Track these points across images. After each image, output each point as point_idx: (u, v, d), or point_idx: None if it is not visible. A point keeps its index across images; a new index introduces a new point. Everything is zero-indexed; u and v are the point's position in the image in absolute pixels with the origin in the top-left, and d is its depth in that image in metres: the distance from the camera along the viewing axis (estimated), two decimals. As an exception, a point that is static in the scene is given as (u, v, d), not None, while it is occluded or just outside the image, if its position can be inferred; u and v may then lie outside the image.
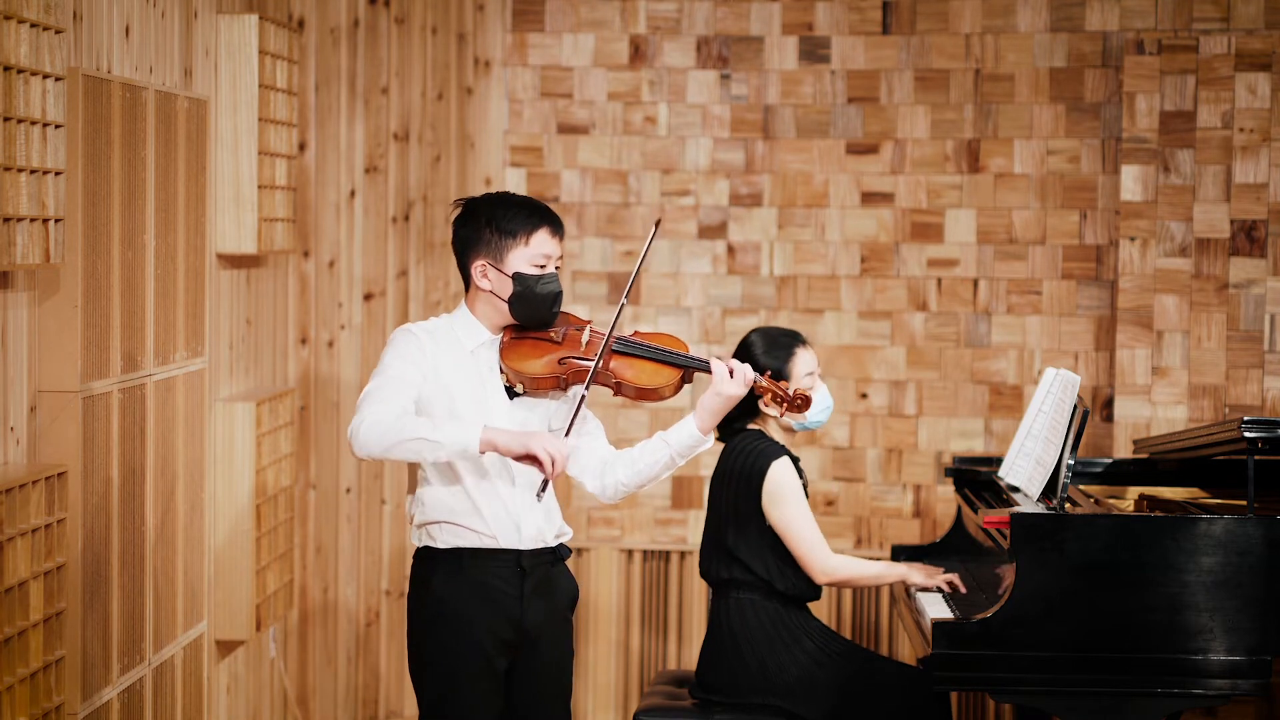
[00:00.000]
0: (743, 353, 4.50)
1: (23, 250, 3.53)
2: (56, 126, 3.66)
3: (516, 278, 3.71)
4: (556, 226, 3.77)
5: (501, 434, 3.56)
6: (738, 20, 5.98)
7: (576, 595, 3.88)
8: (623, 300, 3.79)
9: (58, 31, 3.64)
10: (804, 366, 4.48)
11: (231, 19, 4.85)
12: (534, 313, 3.74)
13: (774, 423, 4.50)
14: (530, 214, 3.74)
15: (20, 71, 3.50)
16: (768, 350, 4.48)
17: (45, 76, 3.60)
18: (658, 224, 3.88)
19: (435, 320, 3.79)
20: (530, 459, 3.55)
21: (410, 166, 5.93)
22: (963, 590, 4.52)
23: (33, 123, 3.56)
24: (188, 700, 4.52)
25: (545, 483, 3.59)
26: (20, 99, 3.50)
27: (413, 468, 3.77)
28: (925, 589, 4.53)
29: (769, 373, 3.97)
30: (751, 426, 4.51)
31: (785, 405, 3.81)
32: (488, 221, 3.74)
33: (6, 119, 3.46)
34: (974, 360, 5.89)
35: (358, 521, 5.84)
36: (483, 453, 3.56)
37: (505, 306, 3.73)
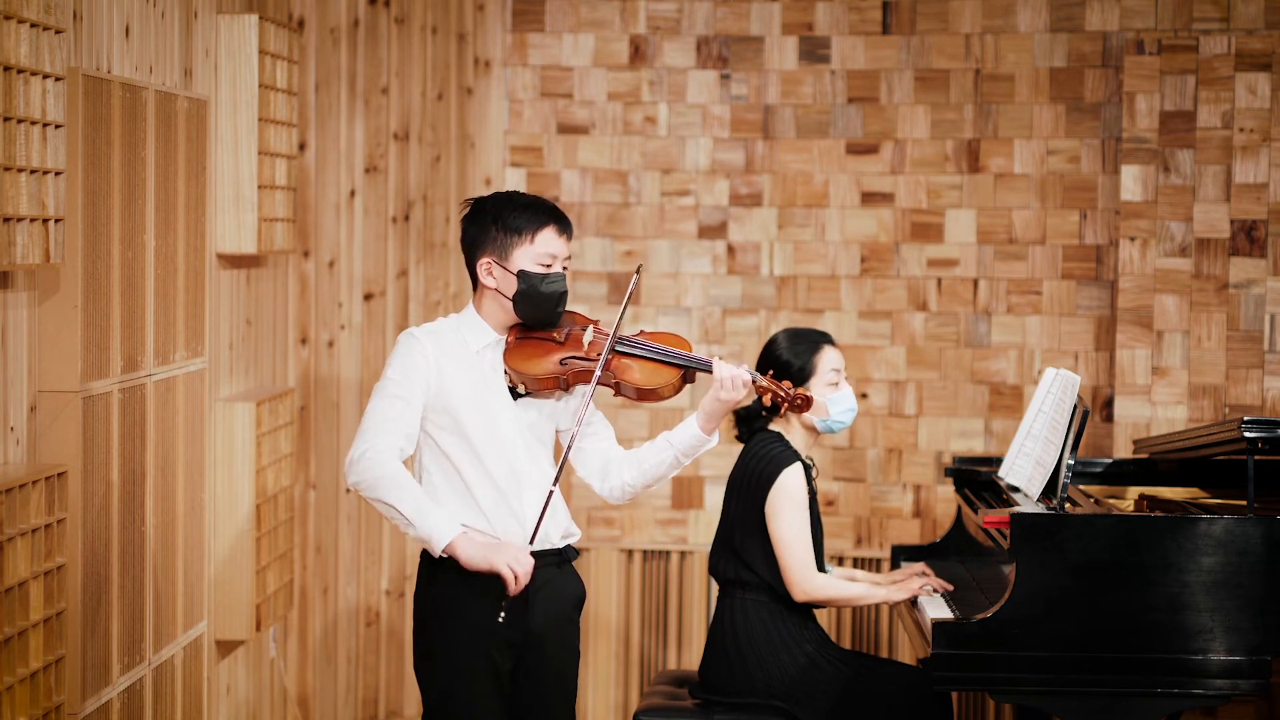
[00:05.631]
0: (768, 350, 4.50)
1: (23, 250, 3.53)
2: (56, 126, 3.66)
3: (521, 275, 3.71)
4: (564, 226, 3.76)
5: (468, 545, 3.55)
6: (738, 20, 5.98)
7: (583, 597, 3.87)
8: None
9: (58, 31, 3.64)
10: (828, 363, 4.46)
11: (231, 19, 4.85)
12: (538, 312, 3.74)
13: (796, 423, 4.48)
14: (536, 212, 3.74)
15: (20, 71, 3.50)
16: (792, 346, 4.47)
17: (45, 76, 3.60)
18: (639, 270, 3.92)
19: (442, 321, 3.79)
20: (493, 574, 3.56)
21: (410, 166, 5.93)
22: (947, 589, 4.52)
23: (33, 123, 3.56)
24: (188, 700, 4.52)
25: (507, 600, 3.56)
26: (20, 99, 3.50)
27: (416, 468, 3.77)
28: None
29: (770, 372, 3.96)
30: (772, 428, 4.50)
31: (786, 404, 3.78)
32: (494, 219, 3.74)
33: (6, 119, 3.46)
34: (974, 360, 5.89)
35: (358, 521, 5.84)
36: (443, 556, 3.56)
37: (510, 305, 3.73)
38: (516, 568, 3.53)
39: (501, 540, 3.65)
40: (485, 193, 6.05)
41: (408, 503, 3.54)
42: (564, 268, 3.76)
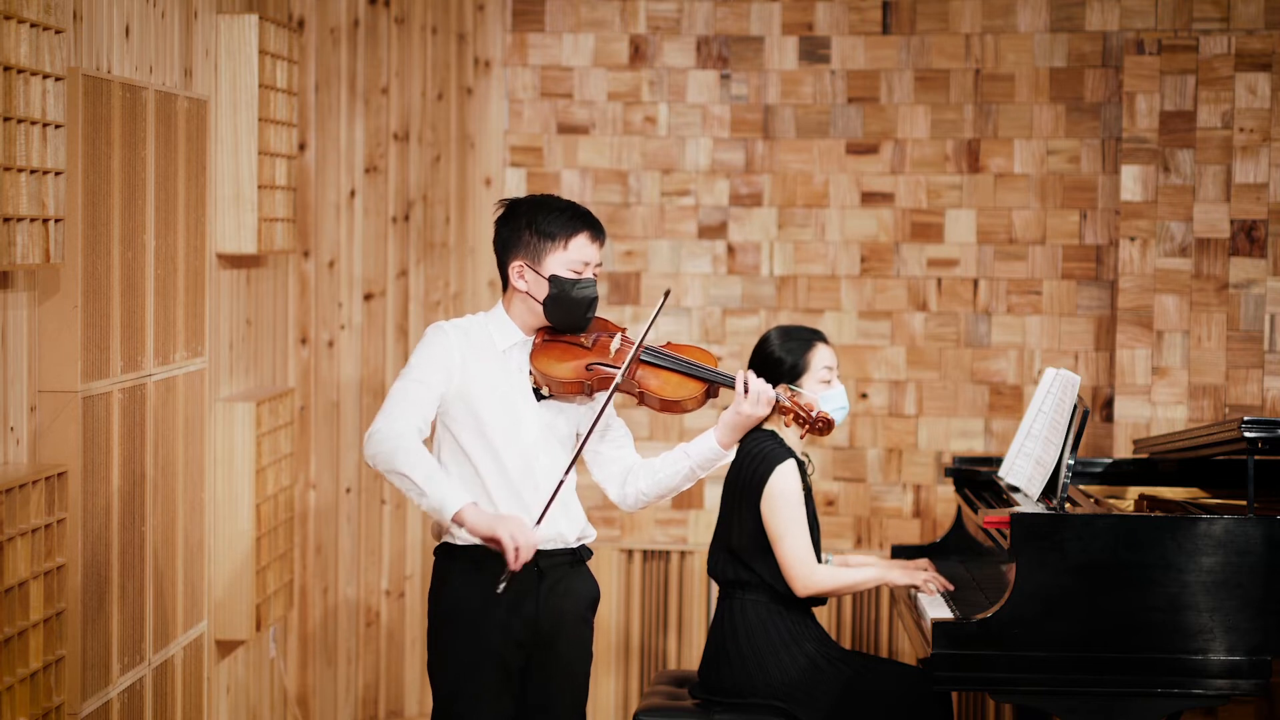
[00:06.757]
0: (760, 347, 4.50)
1: (23, 250, 3.53)
2: (56, 126, 3.66)
3: (553, 280, 3.72)
4: (597, 232, 3.78)
5: (475, 513, 3.54)
6: (738, 20, 5.98)
7: (596, 597, 3.88)
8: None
9: (58, 31, 3.65)
10: (821, 361, 4.46)
11: (231, 19, 4.85)
12: (567, 316, 3.75)
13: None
14: (571, 218, 3.76)
15: (20, 71, 3.50)
16: (784, 343, 4.47)
17: (45, 76, 3.61)
18: (666, 294, 3.92)
19: (471, 318, 3.82)
20: (495, 543, 3.53)
21: (410, 166, 5.93)
22: (948, 588, 4.52)
23: (33, 123, 3.56)
24: (188, 700, 4.52)
25: (508, 573, 3.53)
26: (20, 99, 3.51)
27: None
28: (913, 587, 4.53)
29: (793, 395, 3.98)
30: (766, 426, 4.50)
31: (807, 427, 3.84)
32: (528, 223, 3.75)
33: (6, 119, 3.46)
34: (974, 360, 5.89)
35: (358, 521, 5.84)
36: (455, 524, 3.56)
37: (540, 308, 3.75)
38: (519, 538, 3.52)
39: (508, 514, 3.64)
40: (486, 193, 6.09)
41: (420, 472, 3.55)
42: (594, 274, 3.77)
